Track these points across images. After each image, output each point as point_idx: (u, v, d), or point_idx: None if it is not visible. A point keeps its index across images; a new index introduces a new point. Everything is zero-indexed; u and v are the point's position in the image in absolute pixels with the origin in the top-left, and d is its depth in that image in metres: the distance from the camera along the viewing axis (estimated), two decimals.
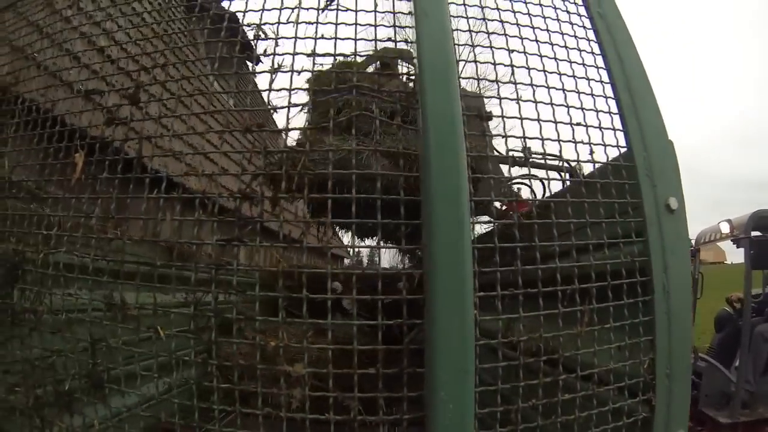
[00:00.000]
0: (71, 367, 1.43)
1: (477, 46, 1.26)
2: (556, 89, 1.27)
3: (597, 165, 1.30)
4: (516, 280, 1.14)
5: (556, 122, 1.23)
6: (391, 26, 1.35)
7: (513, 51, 1.26)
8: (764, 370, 5.14)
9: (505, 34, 1.28)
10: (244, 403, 1.16)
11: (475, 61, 1.23)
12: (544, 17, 1.37)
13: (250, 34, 1.28)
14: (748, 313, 5.11)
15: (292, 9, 1.27)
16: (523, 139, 1.20)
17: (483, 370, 1.09)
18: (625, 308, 1.20)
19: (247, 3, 1.31)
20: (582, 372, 1.16)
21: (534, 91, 1.25)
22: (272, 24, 1.26)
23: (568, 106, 1.27)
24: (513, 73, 1.22)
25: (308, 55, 1.22)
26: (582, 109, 1.31)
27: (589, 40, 1.39)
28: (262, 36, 1.25)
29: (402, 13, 1.31)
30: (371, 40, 1.33)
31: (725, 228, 5.51)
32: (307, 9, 1.32)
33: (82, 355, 1.42)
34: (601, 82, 1.33)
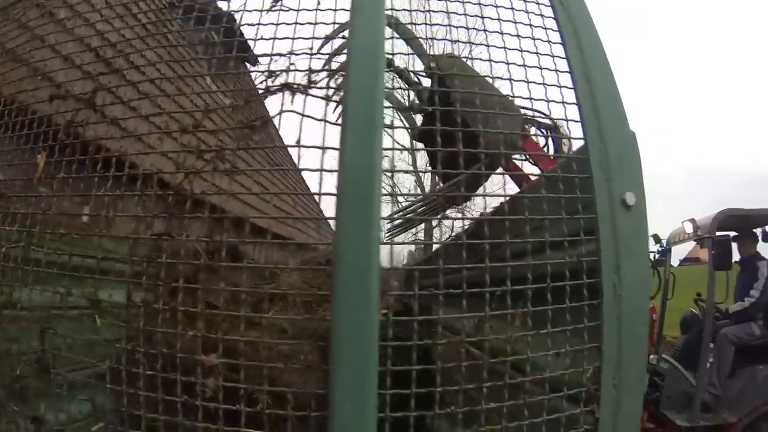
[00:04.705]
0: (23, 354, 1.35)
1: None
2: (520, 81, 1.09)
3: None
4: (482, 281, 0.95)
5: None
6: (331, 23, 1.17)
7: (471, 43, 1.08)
8: (730, 373, 4.81)
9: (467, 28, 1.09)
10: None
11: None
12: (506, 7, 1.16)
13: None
14: (711, 316, 4.67)
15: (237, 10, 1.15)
16: None
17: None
18: (567, 312, 0.97)
19: None
20: (512, 380, 0.93)
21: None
22: None
23: (531, 99, 1.07)
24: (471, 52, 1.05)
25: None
26: (546, 100, 1.10)
27: (546, 28, 1.17)
28: None
29: (344, 9, 1.12)
30: (309, 38, 1.14)
31: (688, 228, 5.00)
32: (251, 11, 1.18)
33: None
34: (557, 71, 1.13)
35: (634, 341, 0.94)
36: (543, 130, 4.70)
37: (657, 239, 5.54)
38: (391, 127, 0.96)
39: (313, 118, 0.99)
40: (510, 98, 1.18)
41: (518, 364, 0.96)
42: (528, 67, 1.10)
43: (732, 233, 5.24)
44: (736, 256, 5.29)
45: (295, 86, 1.10)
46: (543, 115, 4.95)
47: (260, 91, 1.15)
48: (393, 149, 0.94)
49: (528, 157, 4.50)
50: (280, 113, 1.18)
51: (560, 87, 1.08)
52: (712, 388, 4.71)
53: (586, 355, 0.95)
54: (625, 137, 1.05)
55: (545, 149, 4.60)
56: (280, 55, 1.06)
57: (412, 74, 4.60)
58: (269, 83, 1.17)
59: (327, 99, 1.04)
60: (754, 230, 5.22)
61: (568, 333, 0.95)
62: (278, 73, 1.09)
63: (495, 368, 0.94)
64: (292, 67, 1.07)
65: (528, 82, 1.08)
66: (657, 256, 5.53)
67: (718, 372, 4.74)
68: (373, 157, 0.87)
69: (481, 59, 1.13)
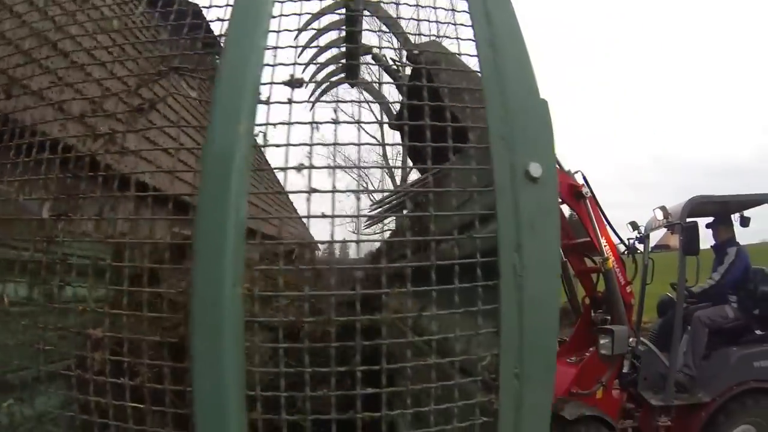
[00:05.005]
0: None
1: None
2: None
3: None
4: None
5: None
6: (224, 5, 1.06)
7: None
8: (705, 355, 4.61)
9: None
10: None
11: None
12: None
13: None
14: (682, 300, 4.56)
15: None
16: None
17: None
18: (455, 294, 0.85)
19: None
20: (391, 365, 0.81)
21: None
22: None
23: None
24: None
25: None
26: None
27: None
28: None
29: None
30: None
31: (659, 215, 4.82)
32: None
33: None
34: (458, 38, 1.00)
35: (539, 328, 0.81)
36: None
37: (635, 226, 5.43)
38: (268, 102, 0.84)
39: (194, 98, 0.88)
40: None
41: (401, 347, 0.84)
42: (423, 36, 0.97)
43: (708, 219, 5.16)
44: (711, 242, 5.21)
45: (183, 68, 1.00)
46: None
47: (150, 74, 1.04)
48: (266, 125, 0.82)
49: None
50: (165, 96, 1.08)
51: (460, 54, 0.96)
52: (687, 369, 4.62)
53: (482, 341, 0.82)
54: (533, 106, 0.92)
55: None
56: (177, 38, 0.96)
57: (392, 62, 4.39)
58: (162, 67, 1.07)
59: (212, 80, 0.92)
60: (731, 216, 5.13)
61: (457, 317, 0.82)
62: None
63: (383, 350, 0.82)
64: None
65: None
66: (635, 242, 5.41)
67: (693, 354, 4.64)
68: (234, 131, 0.77)
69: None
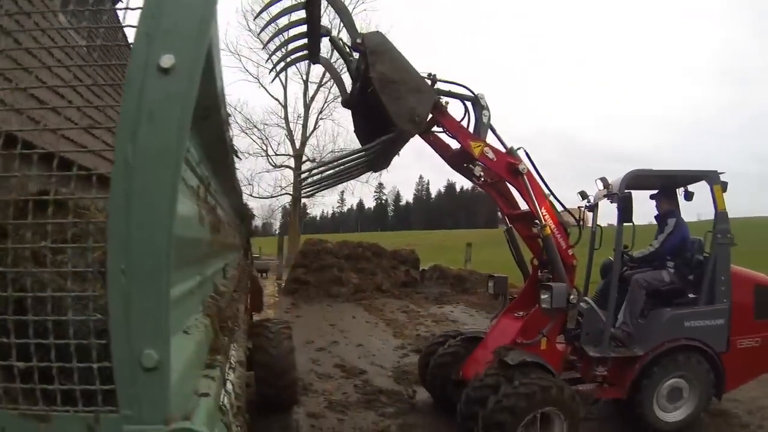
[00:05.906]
0: None
1: None
2: None
3: None
4: None
5: None
6: None
7: None
8: (642, 314, 4.46)
9: None
10: None
11: None
12: None
13: None
14: (618, 264, 4.41)
15: None
16: None
17: None
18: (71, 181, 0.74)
19: None
20: None
21: None
22: None
23: None
24: None
25: None
26: None
27: None
28: None
29: None
30: None
31: (599, 185, 4.71)
32: None
33: None
34: None
35: (147, 222, 0.69)
36: (465, 103, 4.38)
37: (584, 195, 5.23)
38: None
39: None
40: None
41: None
42: None
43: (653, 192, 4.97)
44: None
45: None
46: (466, 89, 4.53)
47: None
48: None
49: (446, 129, 4.23)
50: None
51: None
52: (625, 326, 4.49)
53: (92, 230, 0.73)
54: (193, 6, 0.80)
55: (464, 121, 4.32)
56: None
57: (346, 47, 4.21)
58: None
59: None
60: (675, 190, 4.86)
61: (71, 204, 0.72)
62: None
63: None
64: None
65: None
66: (584, 210, 5.25)
67: (630, 313, 4.49)
68: None
69: None
